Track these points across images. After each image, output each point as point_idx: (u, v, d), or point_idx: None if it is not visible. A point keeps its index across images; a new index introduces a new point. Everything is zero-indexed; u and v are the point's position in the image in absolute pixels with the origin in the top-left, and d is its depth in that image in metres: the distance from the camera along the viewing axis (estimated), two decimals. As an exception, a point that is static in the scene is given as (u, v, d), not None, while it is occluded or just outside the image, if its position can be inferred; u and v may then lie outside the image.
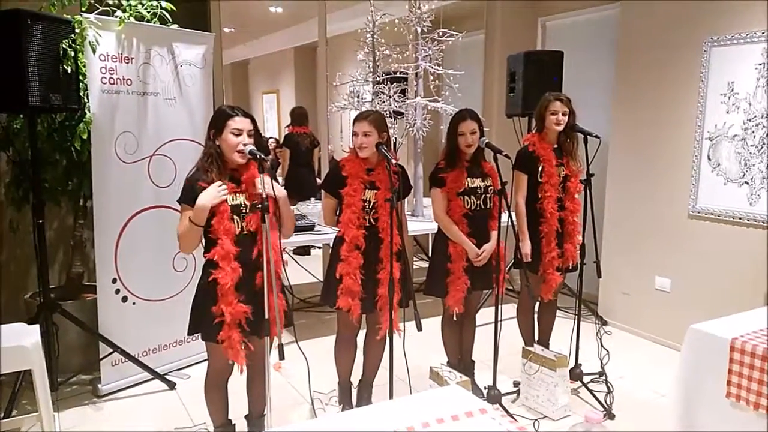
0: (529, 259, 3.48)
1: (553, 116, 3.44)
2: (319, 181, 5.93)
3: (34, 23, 3.08)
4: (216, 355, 2.67)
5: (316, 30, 5.42)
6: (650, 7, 4.40)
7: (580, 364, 3.67)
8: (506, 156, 3.17)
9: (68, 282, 4.00)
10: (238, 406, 2.91)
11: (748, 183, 3.90)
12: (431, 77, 4.74)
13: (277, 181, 2.77)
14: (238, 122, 2.56)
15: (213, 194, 2.51)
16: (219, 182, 2.54)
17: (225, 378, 2.76)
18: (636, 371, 3.99)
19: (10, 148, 3.62)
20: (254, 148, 2.56)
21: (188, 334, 2.67)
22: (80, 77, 3.43)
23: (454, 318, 3.38)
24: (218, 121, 2.59)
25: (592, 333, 3.91)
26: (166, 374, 3.82)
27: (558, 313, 3.90)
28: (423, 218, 4.86)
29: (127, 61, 3.56)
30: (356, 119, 3.03)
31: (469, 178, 3.28)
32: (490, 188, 3.32)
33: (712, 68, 4.04)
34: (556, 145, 3.53)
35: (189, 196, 2.55)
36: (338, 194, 3.03)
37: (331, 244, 3.21)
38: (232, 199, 2.57)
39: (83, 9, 3.47)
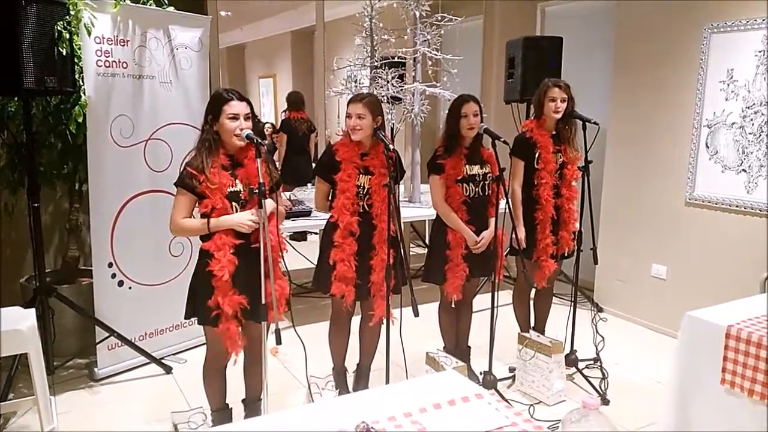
0: (524, 246, 3.48)
1: (552, 103, 3.42)
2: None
3: (28, 5, 3.03)
4: (214, 340, 2.67)
5: (313, 14, 5.38)
6: (650, -7, 4.38)
7: (576, 350, 3.68)
8: (504, 142, 3.16)
9: (64, 266, 3.99)
10: (234, 391, 2.92)
11: (745, 171, 3.90)
12: (429, 62, 4.72)
13: (275, 165, 2.75)
14: (235, 107, 2.55)
15: (245, 222, 2.50)
16: (253, 213, 2.52)
17: (224, 362, 2.75)
18: (631, 358, 4.01)
19: (4, 131, 3.59)
20: (251, 132, 2.54)
21: (185, 318, 2.68)
22: (75, 60, 3.39)
23: (452, 305, 3.38)
24: (215, 106, 2.58)
25: (587, 319, 3.92)
26: (162, 358, 3.82)
27: (554, 299, 3.90)
28: (420, 204, 4.86)
29: (122, 43, 3.53)
30: (350, 101, 3.01)
31: (468, 165, 3.26)
32: (488, 175, 3.31)
33: (712, 55, 4.02)
34: (554, 132, 3.51)
35: (186, 181, 2.55)
36: (331, 179, 3.01)
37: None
38: (231, 186, 2.56)
39: (78, -10, 3.43)
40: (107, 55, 3.46)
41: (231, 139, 2.56)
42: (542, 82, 3.50)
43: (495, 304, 3.24)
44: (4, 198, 3.74)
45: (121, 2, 3.44)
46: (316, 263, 3.15)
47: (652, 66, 4.41)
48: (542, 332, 3.75)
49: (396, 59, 4.81)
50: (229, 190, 2.55)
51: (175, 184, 2.60)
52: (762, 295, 2.75)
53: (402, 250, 2.98)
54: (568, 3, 5.45)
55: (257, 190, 2.43)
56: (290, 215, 4.20)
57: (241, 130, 2.54)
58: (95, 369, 3.62)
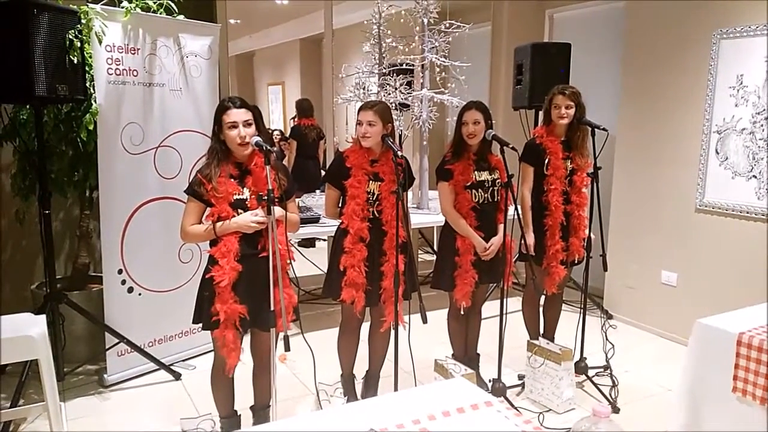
0: (533, 252, 3.47)
1: (556, 110, 3.42)
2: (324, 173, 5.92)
3: (40, 13, 3.07)
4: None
5: (321, 22, 5.40)
6: (659, -1, 4.37)
7: (585, 358, 3.66)
8: (513, 148, 3.16)
9: (74, 272, 4.01)
10: (243, 397, 2.92)
11: (756, 177, 3.87)
12: (437, 69, 4.72)
13: (286, 173, 2.76)
14: (232, 115, 2.55)
15: (247, 222, 2.53)
16: (256, 213, 2.54)
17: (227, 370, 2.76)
18: (641, 365, 3.99)
19: (16, 139, 3.62)
20: (260, 139, 2.54)
21: (193, 322, 2.68)
22: (86, 68, 3.43)
23: (461, 312, 3.37)
24: (217, 116, 2.61)
25: (597, 327, 3.90)
26: (171, 365, 3.83)
27: (563, 306, 3.89)
28: (429, 211, 4.85)
29: (133, 51, 3.55)
30: (361, 108, 3.02)
31: (476, 172, 3.26)
32: (497, 181, 3.31)
33: (721, 61, 4.00)
34: (564, 138, 3.51)
35: (194, 189, 2.57)
36: (341, 186, 3.02)
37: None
38: (237, 194, 2.57)
39: (89, -1, 3.47)
40: (118, 63, 3.49)
41: (234, 148, 2.58)
42: (551, 89, 3.50)
43: (504, 311, 3.23)
44: (15, 205, 3.77)
45: (131, 11, 3.47)
46: (326, 270, 3.15)
47: (660, 72, 4.39)
48: (552, 339, 3.73)
49: (404, 66, 4.82)
50: (234, 197, 2.56)
51: (185, 191, 2.62)
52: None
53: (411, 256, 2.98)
54: (576, 9, 5.45)
55: (266, 197, 2.44)
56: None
57: (242, 137, 2.55)
58: (105, 375, 3.63)
